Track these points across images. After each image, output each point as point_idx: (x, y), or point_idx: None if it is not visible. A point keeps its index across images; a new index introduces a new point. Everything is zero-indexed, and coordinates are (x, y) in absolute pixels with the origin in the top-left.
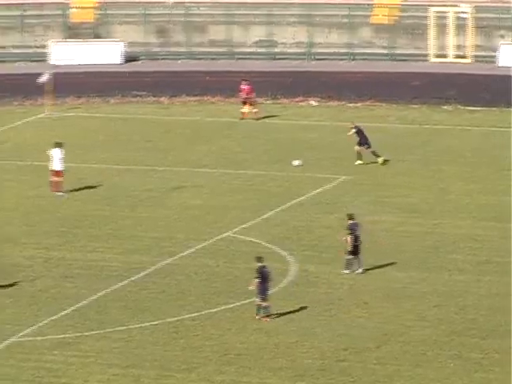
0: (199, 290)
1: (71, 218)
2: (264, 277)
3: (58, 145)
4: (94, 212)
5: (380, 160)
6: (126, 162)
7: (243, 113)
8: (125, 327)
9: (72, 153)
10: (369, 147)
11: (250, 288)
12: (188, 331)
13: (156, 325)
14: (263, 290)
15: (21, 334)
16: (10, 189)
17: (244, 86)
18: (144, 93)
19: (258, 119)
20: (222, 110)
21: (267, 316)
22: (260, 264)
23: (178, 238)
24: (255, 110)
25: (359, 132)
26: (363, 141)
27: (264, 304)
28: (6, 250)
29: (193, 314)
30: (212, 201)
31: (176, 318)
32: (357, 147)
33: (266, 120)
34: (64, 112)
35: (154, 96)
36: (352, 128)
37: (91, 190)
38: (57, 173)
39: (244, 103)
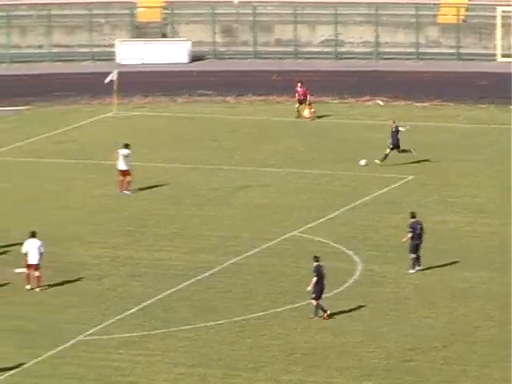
0: (265, 290)
1: (137, 217)
2: (320, 276)
3: (126, 145)
4: (160, 211)
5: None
6: (192, 161)
7: (299, 111)
8: (191, 326)
9: (138, 152)
10: (399, 150)
11: (308, 289)
12: (254, 330)
13: (222, 324)
14: (319, 289)
15: (87, 332)
16: (77, 188)
17: (299, 89)
18: (211, 92)
19: (316, 118)
20: (288, 110)
21: (318, 315)
22: (317, 263)
23: (244, 237)
24: (313, 110)
25: (397, 132)
26: (395, 142)
27: (316, 303)
28: (73, 249)
29: (259, 314)
30: (278, 200)
31: (242, 318)
32: (389, 150)
33: (332, 119)
34: (130, 111)
35: (221, 95)
36: (393, 126)
37: (157, 189)
38: (124, 172)
39: (300, 103)
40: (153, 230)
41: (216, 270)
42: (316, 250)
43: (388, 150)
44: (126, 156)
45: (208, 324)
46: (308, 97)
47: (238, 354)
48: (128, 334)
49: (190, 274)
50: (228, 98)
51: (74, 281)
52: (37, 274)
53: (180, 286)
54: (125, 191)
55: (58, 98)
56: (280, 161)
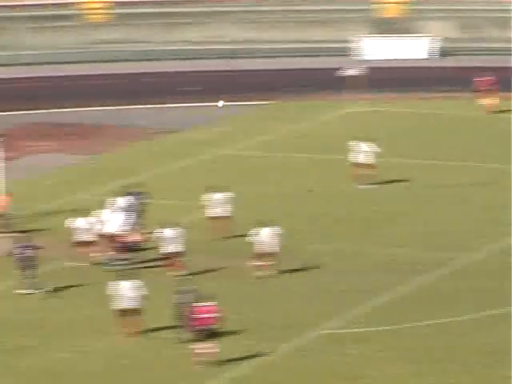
0: (495, 286)
1: (372, 212)
2: None
3: (371, 139)
4: (398, 207)
5: None
6: (431, 157)
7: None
8: (431, 322)
9: (380, 146)
10: None
11: None
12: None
13: (461, 320)
14: None
15: (322, 326)
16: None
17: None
18: (453, 88)
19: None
20: None
21: None
22: None
23: (481, 233)
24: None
25: None
26: None
27: None
28: (305, 240)
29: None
30: None
31: (480, 314)
32: None
33: None
34: (374, 106)
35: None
36: None
37: (396, 184)
38: (365, 166)
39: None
40: (389, 226)
41: (456, 267)
42: None
43: None
44: (367, 151)
45: (446, 320)
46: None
47: (473, 349)
48: (364, 329)
49: (429, 270)
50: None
51: (299, 271)
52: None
53: (417, 282)
54: (362, 186)
55: (295, 93)
56: None
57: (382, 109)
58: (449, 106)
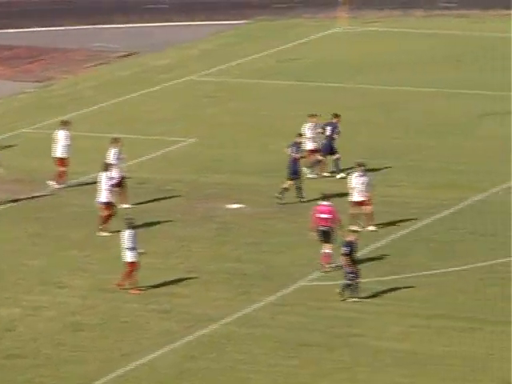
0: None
1: (368, 146)
2: None
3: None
4: (393, 140)
5: None
6: (429, 84)
7: None
8: (428, 272)
9: (369, 73)
10: None
11: None
12: (499, 278)
13: (462, 270)
14: None
15: (310, 277)
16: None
17: None
18: (453, 5)
19: None
20: None
21: None
22: None
23: (490, 171)
24: None
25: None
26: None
27: None
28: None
29: (504, 259)
30: None
31: (487, 263)
32: None
33: None
34: (361, 26)
35: (463, 8)
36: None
37: (388, 114)
38: None
39: None
40: (383, 163)
41: (458, 208)
42: None
43: None
44: None
45: (448, 270)
46: None
47: (482, 303)
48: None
49: (429, 212)
50: (471, 12)
51: (296, 219)
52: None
53: (416, 226)
54: None
55: (279, 11)
56: None
57: (375, 29)
58: (447, 25)
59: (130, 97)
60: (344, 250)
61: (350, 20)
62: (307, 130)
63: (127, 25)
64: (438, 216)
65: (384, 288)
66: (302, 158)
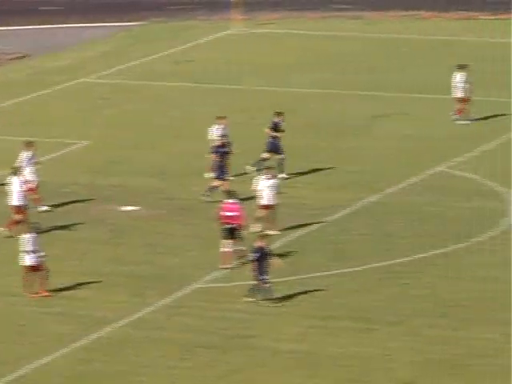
0: (408, 232)
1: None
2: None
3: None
4: (288, 141)
5: None
6: (326, 85)
7: None
8: (324, 273)
9: (266, 75)
10: None
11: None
12: (396, 278)
13: (359, 271)
14: None
15: (206, 279)
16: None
17: None
18: (348, 6)
19: None
20: (437, 28)
21: None
22: None
23: (385, 172)
24: None
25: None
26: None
27: None
28: (193, 183)
29: (401, 259)
30: (424, 130)
31: (382, 264)
32: None
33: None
34: (256, 28)
35: (359, 10)
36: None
37: (288, 116)
38: None
39: None
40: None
41: (354, 208)
42: (467, 188)
43: None
44: None
45: (343, 271)
46: None
47: (378, 304)
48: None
49: (325, 214)
50: (366, 14)
51: (191, 220)
52: None
53: (312, 228)
54: None
55: (174, 13)
56: (427, 86)
57: (269, 31)
58: (343, 27)
59: (24, 99)
60: (253, 255)
61: (245, 22)
62: (215, 131)
63: (23, 27)
64: (334, 217)
65: (281, 289)
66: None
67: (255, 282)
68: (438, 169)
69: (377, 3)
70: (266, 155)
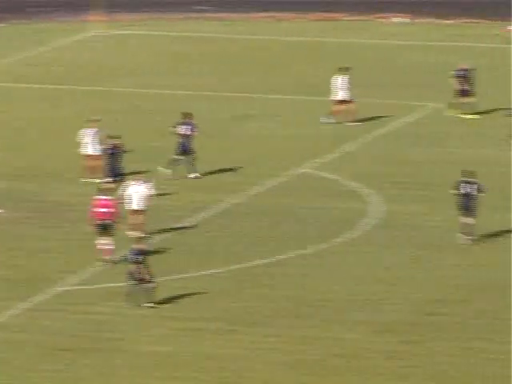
0: (270, 234)
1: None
2: None
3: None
4: (152, 143)
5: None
6: (189, 87)
7: None
8: (187, 275)
9: (128, 77)
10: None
11: None
12: (256, 280)
13: (220, 272)
14: None
15: (69, 282)
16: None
17: None
18: (209, 8)
19: None
20: (299, 29)
21: None
22: None
23: (246, 173)
24: None
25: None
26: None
27: None
28: (51, 186)
29: (263, 261)
30: (285, 131)
31: (243, 265)
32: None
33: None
34: (118, 29)
35: (220, 12)
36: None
37: (149, 118)
38: None
39: None
40: (144, 166)
41: (215, 211)
42: (328, 188)
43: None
44: None
45: (204, 272)
46: None
47: (239, 306)
48: (114, 284)
49: (188, 215)
50: (227, 15)
51: (54, 222)
52: None
53: (175, 230)
54: None
55: (34, 15)
56: (289, 87)
57: (131, 32)
58: (202, 28)
59: None
60: (135, 257)
61: (106, 23)
62: (87, 135)
63: None
64: (196, 219)
65: (144, 292)
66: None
67: (134, 285)
68: (301, 170)
69: (237, 4)
70: (177, 156)
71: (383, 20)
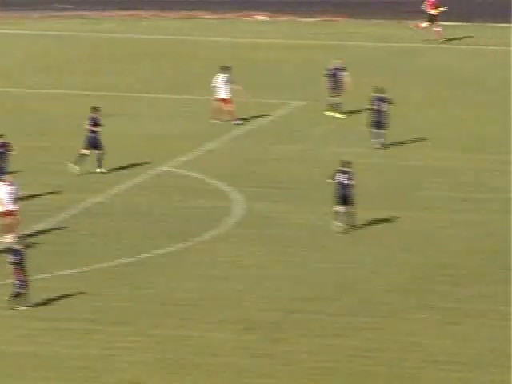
0: (133, 233)
1: None
2: None
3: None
4: (27, 143)
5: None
6: (48, 85)
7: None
8: (48, 275)
9: None
10: None
11: None
12: (121, 279)
13: (85, 272)
14: None
15: None
16: None
17: None
18: (69, 6)
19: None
20: (160, 27)
21: None
22: None
23: (106, 172)
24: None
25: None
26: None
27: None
28: None
29: (126, 260)
30: (146, 129)
31: (106, 264)
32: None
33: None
34: None
35: (80, 10)
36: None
37: (18, 118)
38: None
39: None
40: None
41: (76, 210)
42: (189, 187)
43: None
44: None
45: (68, 272)
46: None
47: (102, 305)
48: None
49: (48, 215)
50: (88, 13)
51: None
52: None
53: (35, 229)
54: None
55: None
56: (148, 85)
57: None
58: (63, 27)
59: None
60: (13, 258)
61: None
62: None
63: None
64: (58, 218)
65: (5, 292)
66: None
67: (18, 286)
68: (164, 168)
69: (96, 3)
70: (85, 151)
71: (248, 18)
